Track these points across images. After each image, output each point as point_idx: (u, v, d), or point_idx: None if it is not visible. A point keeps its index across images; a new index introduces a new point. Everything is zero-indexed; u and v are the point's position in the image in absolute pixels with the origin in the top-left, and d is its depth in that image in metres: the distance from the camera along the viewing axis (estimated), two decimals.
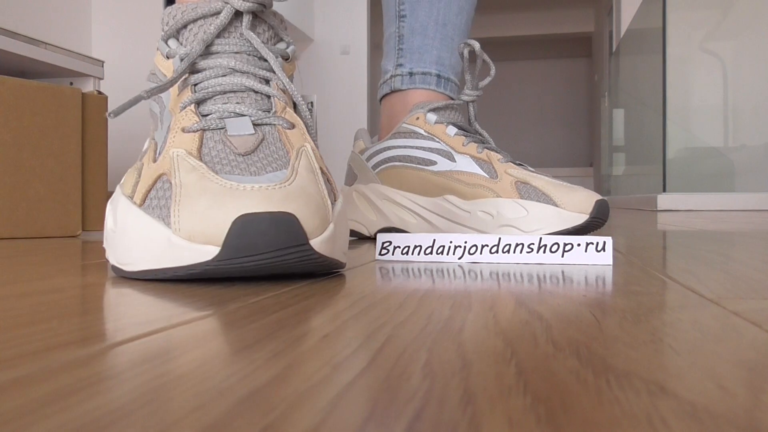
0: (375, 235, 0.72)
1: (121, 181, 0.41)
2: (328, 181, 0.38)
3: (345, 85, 3.63)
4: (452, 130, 0.70)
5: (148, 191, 0.37)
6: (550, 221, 0.63)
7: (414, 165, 0.71)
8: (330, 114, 3.55)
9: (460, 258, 0.47)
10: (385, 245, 0.48)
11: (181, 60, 0.41)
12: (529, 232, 0.63)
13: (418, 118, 0.72)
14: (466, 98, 0.72)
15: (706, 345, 0.20)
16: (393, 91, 0.78)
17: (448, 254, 0.47)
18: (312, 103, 0.50)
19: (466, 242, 0.47)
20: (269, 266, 0.33)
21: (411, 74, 0.76)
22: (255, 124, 0.39)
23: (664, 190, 2.43)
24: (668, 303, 0.28)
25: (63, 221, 0.82)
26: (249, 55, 0.42)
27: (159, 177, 0.37)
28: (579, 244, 0.45)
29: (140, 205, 0.37)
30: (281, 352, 0.19)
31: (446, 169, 0.69)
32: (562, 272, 0.40)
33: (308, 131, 0.42)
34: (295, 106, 0.43)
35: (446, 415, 0.13)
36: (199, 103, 0.40)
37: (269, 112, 0.40)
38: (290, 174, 0.35)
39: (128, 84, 2.42)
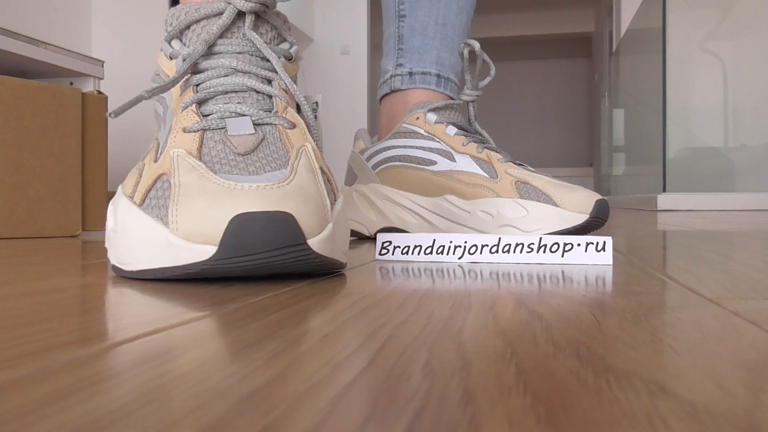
0: (375, 235, 0.72)
1: (124, 182, 0.41)
2: (328, 181, 0.38)
3: (345, 85, 3.63)
4: (452, 130, 0.70)
5: (148, 191, 0.37)
6: (550, 221, 0.63)
7: (414, 165, 0.71)
8: (330, 114, 3.55)
9: (460, 258, 0.47)
10: (385, 245, 0.48)
11: (184, 60, 0.41)
12: (529, 232, 0.63)
13: (418, 118, 0.72)
14: (466, 98, 0.72)
15: (706, 345, 0.20)
16: (393, 91, 0.78)
17: (448, 254, 0.47)
18: (317, 103, 0.50)
19: (466, 242, 0.47)
20: (267, 266, 0.33)
21: (411, 74, 0.76)
22: (256, 124, 0.39)
23: (664, 190, 2.43)
24: (668, 303, 0.28)
25: (63, 221, 0.82)
26: (251, 55, 0.42)
27: (159, 177, 0.37)
28: (579, 244, 0.45)
29: (140, 205, 0.37)
30: (281, 352, 0.19)
31: (446, 169, 0.69)
32: (562, 272, 0.40)
33: (309, 131, 0.42)
34: (298, 107, 0.43)
35: (446, 415, 0.13)
36: (200, 103, 0.40)
37: (270, 112, 0.40)
38: (289, 173, 0.35)
39: (128, 84, 2.42)
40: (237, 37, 0.42)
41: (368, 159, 0.75)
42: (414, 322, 0.24)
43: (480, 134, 0.72)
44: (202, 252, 0.32)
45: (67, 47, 1.93)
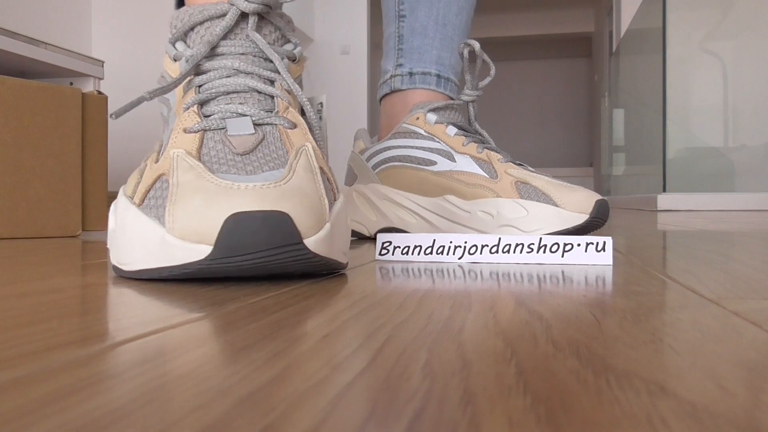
0: (375, 235, 0.72)
1: (126, 183, 0.41)
2: (328, 181, 0.38)
3: (345, 85, 3.63)
4: (452, 130, 0.70)
5: (148, 191, 0.37)
6: (550, 221, 0.63)
7: (414, 165, 0.71)
8: (330, 114, 3.55)
9: (460, 258, 0.47)
10: (385, 245, 0.48)
11: (186, 62, 0.41)
12: (529, 232, 0.63)
13: (418, 118, 0.72)
14: (466, 98, 0.72)
15: (706, 345, 0.20)
16: (393, 91, 0.78)
17: (448, 254, 0.47)
18: (322, 103, 0.50)
19: (466, 242, 0.47)
20: (264, 266, 0.33)
21: (411, 74, 0.76)
22: (256, 124, 0.39)
23: (664, 190, 2.43)
24: (668, 303, 0.28)
25: (63, 221, 0.82)
26: (254, 56, 0.42)
27: (159, 177, 0.37)
28: (579, 244, 0.45)
29: (139, 205, 0.37)
30: (281, 352, 0.19)
31: (446, 169, 0.69)
32: (562, 272, 0.40)
33: (311, 131, 0.42)
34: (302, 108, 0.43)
35: (446, 415, 0.13)
36: (202, 104, 0.40)
37: (272, 112, 0.40)
38: (287, 173, 0.35)
39: (128, 84, 2.42)
40: (240, 39, 0.42)
41: (368, 159, 0.75)
42: (414, 322, 0.24)
43: (480, 134, 0.72)
44: (198, 252, 0.32)
45: (67, 47, 1.93)
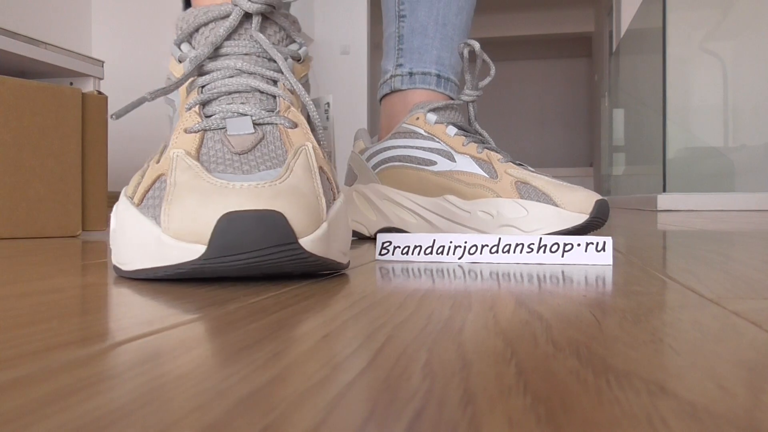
0: (375, 235, 0.72)
1: (128, 183, 0.41)
2: (328, 180, 0.38)
3: (345, 85, 3.63)
4: (452, 130, 0.70)
5: (147, 191, 0.37)
6: (550, 221, 0.63)
7: (414, 165, 0.71)
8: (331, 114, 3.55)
9: (460, 258, 0.47)
10: (385, 245, 0.48)
11: (190, 63, 0.41)
12: (529, 232, 0.63)
13: (418, 118, 0.72)
14: (466, 98, 0.72)
15: (706, 345, 0.20)
16: (393, 91, 0.78)
17: (448, 254, 0.47)
18: (329, 103, 0.50)
19: (466, 242, 0.47)
20: (259, 265, 0.32)
21: (411, 74, 0.76)
22: (257, 124, 0.39)
23: (664, 190, 2.43)
24: (668, 303, 0.28)
25: (63, 221, 0.82)
26: (258, 56, 0.42)
27: (158, 177, 0.37)
28: (579, 244, 0.45)
29: (138, 205, 0.37)
30: (281, 352, 0.19)
31: (446, 169, 0.69)
32: (562, 272, 0.40)
33: (313, 131, 0.42)
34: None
35: (446, 415, 0.13)
36: (204, 104, 0.40)
37: (273, 111, 0.40)
38: (284, 172, 0.34)
39: (128, 84, 2.42)
40: (244, 39, 0.42)
41: (368, 159, 0.75)
42: (414, 322, 0.24)
43: (480, 134, 0.72)
44: (192, 251, 0.32)
45: (67, 47, 1.93)
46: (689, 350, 0.19)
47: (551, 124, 5.80)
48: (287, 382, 0.16)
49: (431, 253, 0.47)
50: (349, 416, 0.13)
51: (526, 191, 0.64)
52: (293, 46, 0.44)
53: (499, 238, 0.46)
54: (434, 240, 0.47)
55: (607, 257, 0.45)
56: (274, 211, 0.31)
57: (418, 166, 0.70)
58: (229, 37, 0.42)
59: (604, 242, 0.45)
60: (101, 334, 0.22)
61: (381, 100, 0.80)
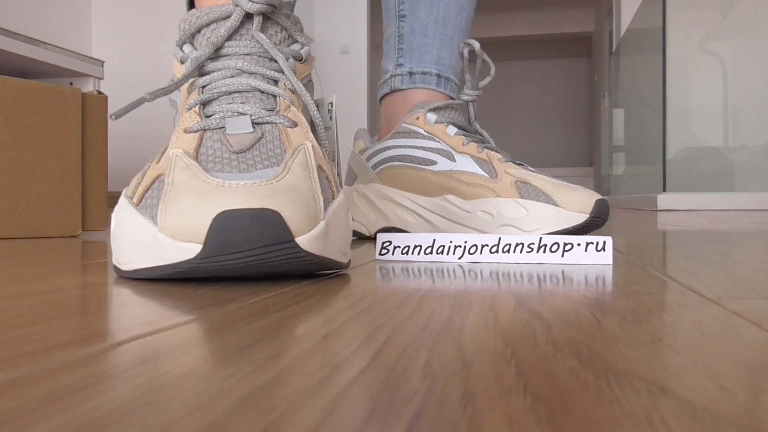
0: (375, 235, 0.72)
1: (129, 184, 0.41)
2: (327, 179, 0.38)
3: (345, 85, 3.63)
4: (452, 129, 0.70)
5: (146, 191, 0.37)
6: (550, 221, 0.63)
7: (414, 165, 0.71)
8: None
9: (460, 258, 0.47)
10: (385, 245, 0.48)
11: (191, 63, 0.41)
12: (529, 232, 0.63)
13: (418, 118, 0.72)
14: (466, 98, 0.72)
15: (706, 345, 0.20)
16: (393, 91, 0.78)
17: (448, 254, 0.47)
18: (332, 103, 0.50)
19: (466, 242, 0.47)
20: (255, 264, 0.32)
21: (411, 74, 0.76)
22: (256, 123, 0.39)
23: (664, 190, 2.43)
24: (668, 303, 0.28)
25: (63, 221, 0.82)
26: (259, 56, 0.42)
27: (157, 177, 0.37)
28: (579, 244, 0.45)
29: (137, 205, 0.37)
30: (281, 352, 0.19)
31: (446, 169, 0.69)
32: (562, 272, 0.40)
33: (315, 131, 0.42)
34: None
35: (446, 415, 0.13)
36: (204, 104, 0.40)
37: (273, 111, 0.40)
38: (281, 171, 0.34)
39: (128, 84, 2.42)
40: (245, 39, 0.42)
41: (368, 159, 0.75)
42: (414, 322, 0.24)
43: (480, 134, 0.72)
44: (188, 250, 0.32)
45: (67, 47, 1.93)
46: (689, 350, 0.19)
47: (551, 124, 5.80)
48: (287, 382, 0.16)
49: (431, 252, 0.47)
50: (349, 416, 0.13)
51: (526, 191, 0.64)
52: (295, 46, 0.44)
53: (499, 238, 0.46)
54: (434, 240, 0.47)
55: (607, 257, 0.45)
56: (269, 209, 0.31)
57: (418, 165, 0.70)
58: (230, 38, 0.42)
59: (604, 242, 0.45)
60: (101, 334, 0.22)
61: (381, 99, 0.80)
